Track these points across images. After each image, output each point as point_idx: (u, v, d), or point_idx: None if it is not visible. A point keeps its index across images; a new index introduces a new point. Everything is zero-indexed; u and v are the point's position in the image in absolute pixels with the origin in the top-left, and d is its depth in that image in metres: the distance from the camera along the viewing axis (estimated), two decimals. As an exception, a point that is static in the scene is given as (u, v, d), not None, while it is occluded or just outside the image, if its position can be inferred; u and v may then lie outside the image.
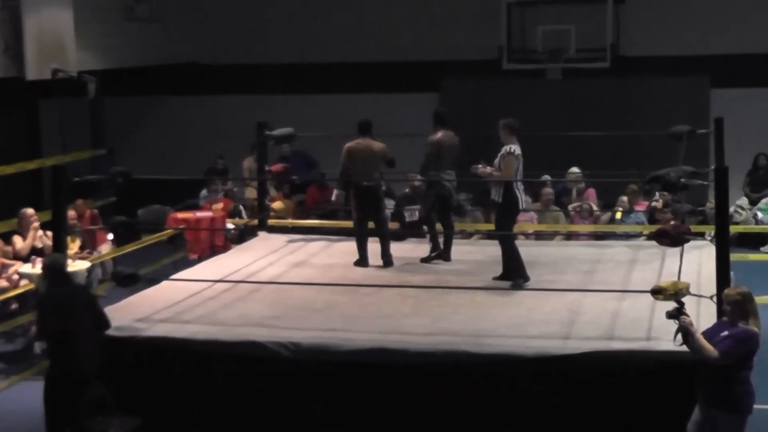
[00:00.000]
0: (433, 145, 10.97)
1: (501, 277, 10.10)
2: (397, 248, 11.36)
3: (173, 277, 10.85)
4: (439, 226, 11.30)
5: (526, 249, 12.00)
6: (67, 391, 7.83)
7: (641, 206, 14.97)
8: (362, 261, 11.02)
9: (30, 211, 12.58)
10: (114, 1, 16.72)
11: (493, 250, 10.56)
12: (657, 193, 14.64)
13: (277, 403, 8.25)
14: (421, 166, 11.31)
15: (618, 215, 14.73)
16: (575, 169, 15.48)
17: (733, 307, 7.05)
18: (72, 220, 12.58)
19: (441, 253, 11.19)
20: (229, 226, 14.06)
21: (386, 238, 11.16)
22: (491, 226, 14.10)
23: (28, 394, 10.02)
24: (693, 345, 6.98)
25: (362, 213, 11.16)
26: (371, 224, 11.34)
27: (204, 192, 16.08)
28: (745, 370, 7.05)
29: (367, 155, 10.98)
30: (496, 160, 10.07)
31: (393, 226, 12.83)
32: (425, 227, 11.62)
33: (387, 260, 11.02)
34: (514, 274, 9.98)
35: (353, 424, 8.16)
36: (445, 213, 11.33)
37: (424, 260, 11.19)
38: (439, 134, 11.03)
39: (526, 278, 9.93)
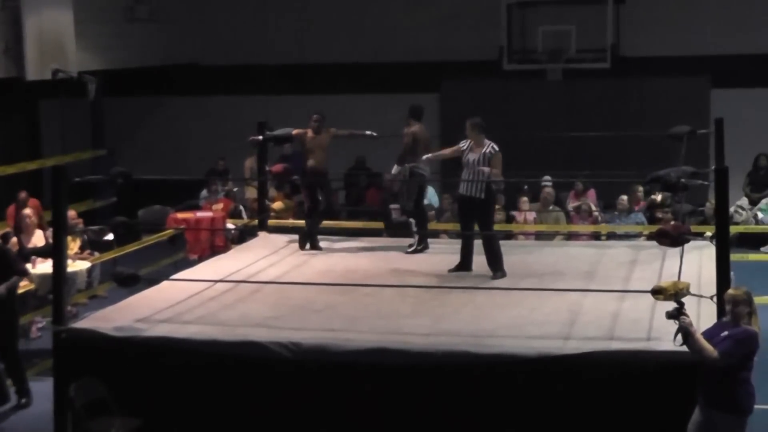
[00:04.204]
0: (408, 135, 11.47)
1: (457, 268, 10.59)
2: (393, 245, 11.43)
3: (173, 277, 10.84)
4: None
5: (527, 249, 12.06)
6: None
7: (640, 206, 15.01)
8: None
9: (27, 211, 12.59)
10: (114, 1, 16.74)
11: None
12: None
13: (277, 403, 8.25)
14: (398, 157, 11.61)
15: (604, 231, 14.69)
16: None
17: (734, 308, 7.05)
18: (72, 219, 12.58)
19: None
20: (230, 226, 14.07)
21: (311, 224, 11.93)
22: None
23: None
24: (693, 345, 6.97)
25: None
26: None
27: (204, 192, 16.10)
28: (745, 370, 7.04)
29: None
30: (475, 158, 10.30)
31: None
32: (413, 220, 11.81)
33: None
34: (499, 267, 10.40)
35: (353, 425, 8.16)
36: (421, 203, 11.93)
37: (411, 252, 11.54)
38: (415, 127, 11.53)
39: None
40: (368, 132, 12.13)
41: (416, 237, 11.72)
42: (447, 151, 10.96)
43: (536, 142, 15.93)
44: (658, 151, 13.40)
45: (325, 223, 12.42)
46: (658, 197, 14.74)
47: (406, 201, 11.86)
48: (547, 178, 15.29)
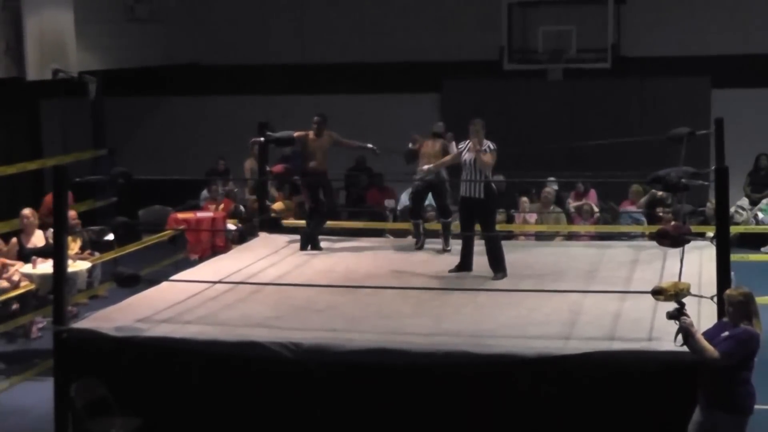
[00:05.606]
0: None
1: (457, 269, 10.62)
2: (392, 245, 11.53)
3: (174, 277, 10.84)
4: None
5: (527, 249, 12.07)
6: None
7: (629, 205, 15.02)
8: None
9: (27, 211, 12.61)
10: (114, 1, 16.73)
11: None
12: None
13: (278, 403, 8.25)
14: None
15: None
16: None
17: (735, 308, 7.05)
18: (71, 219, 12.59)
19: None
20: (230, 226, 14.07)
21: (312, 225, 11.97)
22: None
23: (29, 394, 10.04)
24: (694, 346, 6.98)
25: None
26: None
27: (205, 192, 16.09)
28: (745, 370, 7.04)
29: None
30: (471, 157, 10.41)
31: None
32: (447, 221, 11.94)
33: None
34: (500, 268, 10.41)
35: (354, 425, 8.16)
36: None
37: (419, 248, 11.82)
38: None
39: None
40: (370, 145, 12.06)
41: (422, 235, 11.87)
42: (447, 159, 11.07)
43: (537, 142, 15.93)
44: (659, 152, 13.39)
45: (327, 223, 12.42)
46: (660, 192, 14.74)
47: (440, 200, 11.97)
48: (552, 179, 15.28)
